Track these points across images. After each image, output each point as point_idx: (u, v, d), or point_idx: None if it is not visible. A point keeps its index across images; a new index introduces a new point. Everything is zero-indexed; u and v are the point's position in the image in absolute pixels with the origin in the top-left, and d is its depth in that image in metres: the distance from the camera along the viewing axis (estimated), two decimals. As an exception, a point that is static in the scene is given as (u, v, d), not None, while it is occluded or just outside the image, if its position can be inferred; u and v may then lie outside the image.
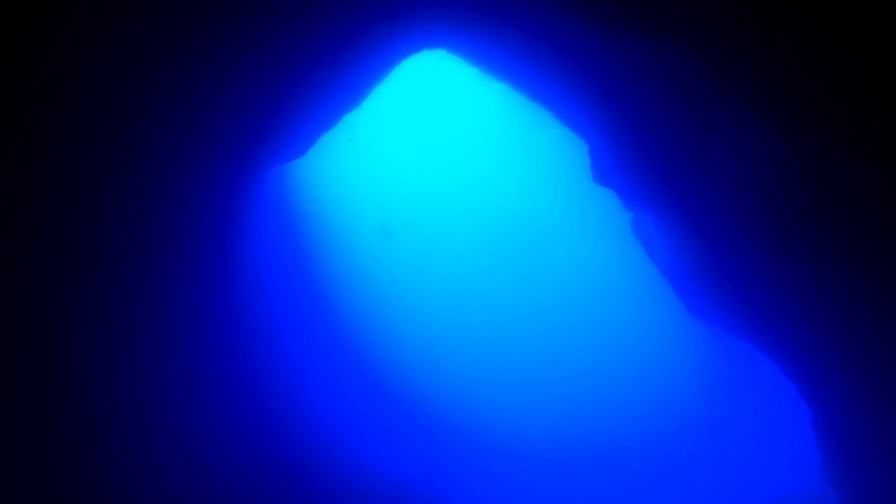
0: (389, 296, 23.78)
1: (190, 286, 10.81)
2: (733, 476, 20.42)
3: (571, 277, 28.50)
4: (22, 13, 7.23)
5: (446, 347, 25.15)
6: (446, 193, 28.80)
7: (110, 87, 8.50)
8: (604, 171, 13.85)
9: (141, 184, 9.45)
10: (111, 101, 8.59)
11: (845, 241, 9.47)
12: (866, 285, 9.59)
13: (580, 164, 16.10)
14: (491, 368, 25.96)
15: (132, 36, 8.39)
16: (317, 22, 9.94)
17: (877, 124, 7.42)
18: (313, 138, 13.77)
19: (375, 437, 17.08)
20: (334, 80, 11.73)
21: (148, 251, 9.82)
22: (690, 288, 14.00)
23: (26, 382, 8.16)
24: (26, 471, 8.06)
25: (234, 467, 11.43)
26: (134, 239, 9.52)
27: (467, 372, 25.07)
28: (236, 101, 10.20)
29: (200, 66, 9.33)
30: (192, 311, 10.91)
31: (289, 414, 14.07)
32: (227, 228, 12.08)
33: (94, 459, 8.86)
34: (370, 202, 25.83)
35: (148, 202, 9.65)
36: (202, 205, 10.77)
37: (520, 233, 28.91)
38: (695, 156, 10.63)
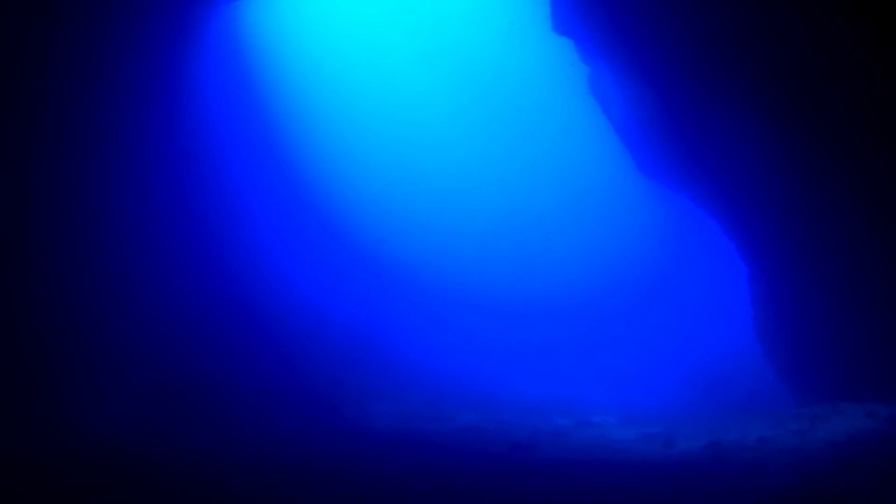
0: (346, 143, 23.30)
1: (139, 132, 10.47)
2: (675, 330, 21.30)
3: (527, 127, 28.19)
4: None
5: (403, 197, 25.06)
6: (409, 43, 27.74)
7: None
8: (564, 20, 13.37)
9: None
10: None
11: (795, 102, 9.38)
12: (813, 146, 9.59)
13: (542, 13, 15.44)
14: (446, 218, 26.04)
15: None
16: None
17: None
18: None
19: (330, 286, 17.25)
20: None
21: (93, 99, 9.39)
22: (643, 144, 13.94)
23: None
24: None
25: (194, 318, 11.54)
26: (78, 99, 9.08)
27: (422, 220, 25.14)
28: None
29: None
30: (140, 161, 10.64)
31: (246, 264, 14.07)
32: (175, 72, 11.52)
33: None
34: (331, 49, 24.67)
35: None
36: (146, 49, 10.20)
37: (477, 81, 28.21)
38: (653, 7, 10.23)
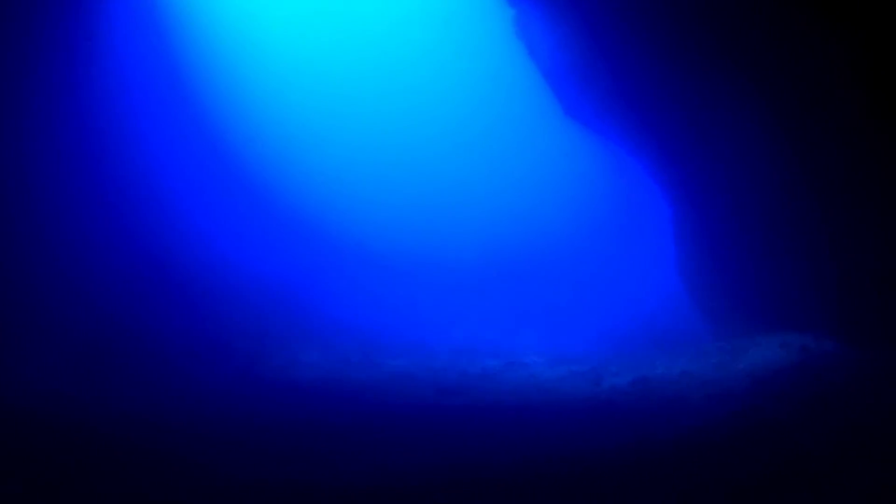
0: (266, 98, 22.37)
1: (48, 88, 9.81)
2: (600, 271, 21.71)
3: (449, 74, 27.79)
4: None
5: (329, 151, 24.44)
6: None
7: None
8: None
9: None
10: None
11: (721, 42, 9.39)
12: (737, 85, 9.65)
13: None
14: (375, 169, 25.60)
15: None
16: None
17: None
18: None
19: (253, 239, 16.79)
20: None
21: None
22: (569, 87, 13.86)
23: None
24: None
25: (110, 276, 11.05)
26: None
27: (350, 172, 24.65)
28: None
29: None
30: (49, 115, 10.00)
31: (162, 220, 13.53)
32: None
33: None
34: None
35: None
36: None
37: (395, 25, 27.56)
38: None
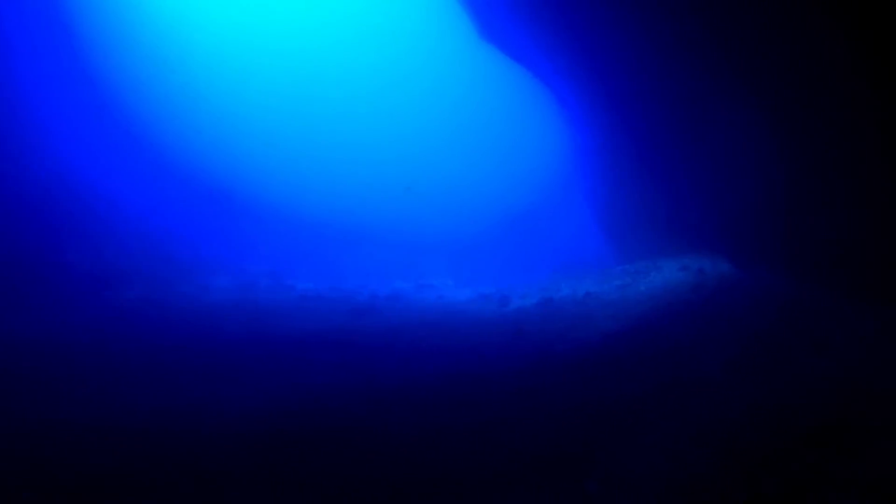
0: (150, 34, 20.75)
1: None
2: (508, 196, 21.94)
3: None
4: None
5: (206, 89, 23.12)
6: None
7: None
8: None
9: None
10: None
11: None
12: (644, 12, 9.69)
13: None
14: (255, 111, 24.50)
15: None
16: None
17: None
18: None
19: (135, 188, 15.95)
20: None
21: None
22: (487, 9, 13.65)
23: None
24: None
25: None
26: None
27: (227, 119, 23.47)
28: None
29: None
30: None
31: (46, 164, 12.70)
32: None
33: None
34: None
35: None
36: None
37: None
38: None
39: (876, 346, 5.45)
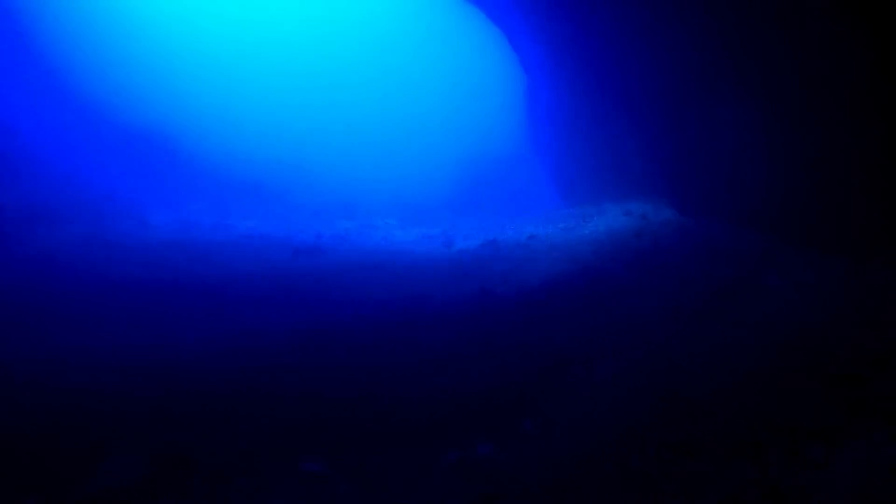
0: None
1: None
2: (455, 137, 21.81)
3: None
4: None
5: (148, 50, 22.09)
6: None
7: None
8: None
9: None
10: None
11: None
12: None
13: None
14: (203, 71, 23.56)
15: None
16: None
17: None
18: None
19: (77, 149, 15.30)
20: None
21: None
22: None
23: None
24: None
25: None
26: None
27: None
28: None
29: None
30: None
31: None
32: None
33: None
34: None
35: None
36: None
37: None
38: None
39: (815, 292, 5.61)
